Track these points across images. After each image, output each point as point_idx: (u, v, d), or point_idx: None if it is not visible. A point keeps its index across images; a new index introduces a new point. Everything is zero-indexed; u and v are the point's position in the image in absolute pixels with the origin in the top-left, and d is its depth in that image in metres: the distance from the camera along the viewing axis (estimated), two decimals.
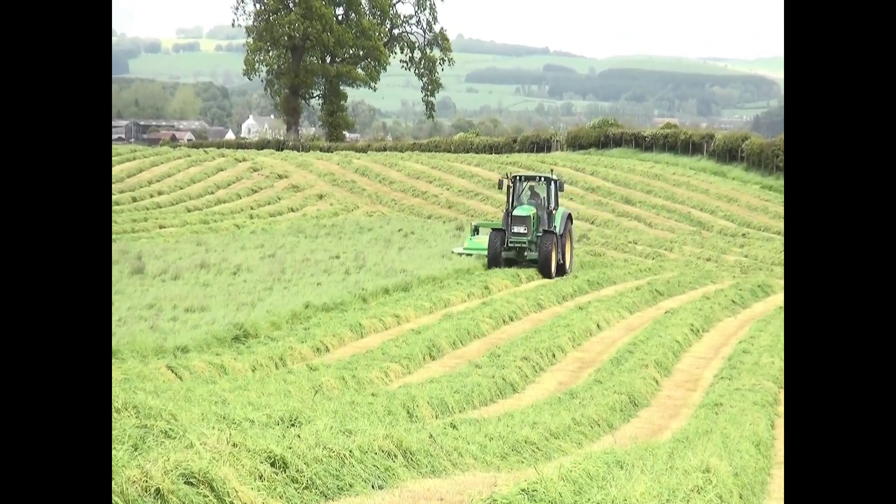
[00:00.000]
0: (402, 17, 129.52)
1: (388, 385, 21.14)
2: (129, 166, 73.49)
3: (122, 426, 11.47)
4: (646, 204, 67.91)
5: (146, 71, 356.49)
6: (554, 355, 25.63)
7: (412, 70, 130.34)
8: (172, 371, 19.63)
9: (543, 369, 24.40)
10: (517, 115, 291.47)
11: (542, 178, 42.02)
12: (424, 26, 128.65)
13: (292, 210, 64.83)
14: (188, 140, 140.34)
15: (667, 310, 33.76)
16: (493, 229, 40.82)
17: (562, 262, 40.48)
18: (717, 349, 28.57)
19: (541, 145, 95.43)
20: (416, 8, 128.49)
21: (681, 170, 78.13)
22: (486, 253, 40.71)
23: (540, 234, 39.85)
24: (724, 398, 21.06)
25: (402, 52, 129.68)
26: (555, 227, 40.19)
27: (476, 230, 43.92)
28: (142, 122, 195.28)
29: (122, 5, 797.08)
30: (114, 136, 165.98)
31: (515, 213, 40.15)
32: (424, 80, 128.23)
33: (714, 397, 21.36)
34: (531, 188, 42.01)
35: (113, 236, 46.40)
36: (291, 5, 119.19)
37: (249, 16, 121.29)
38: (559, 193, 41.84)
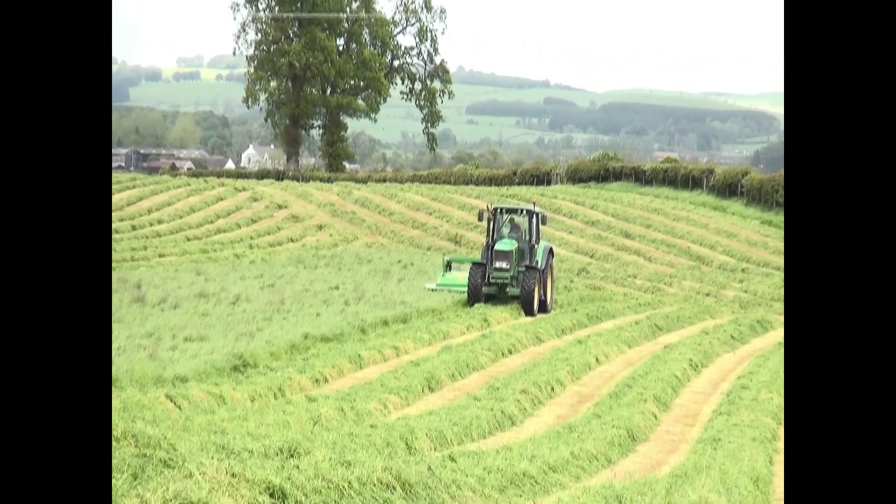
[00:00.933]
0: (402, 49, 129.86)
1: (386, 417, 21.12)
2: (129, 195, 73.55)
3: (122, 455, 11.46)
4: (645, 238, 67.95)
5: (147, 99, 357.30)
6: (553, 389, 25.60)
7: (413, 101, 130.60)
8: (171, 400, 19.61)
9: (542, 402, 24.38)
10: (517, 147, 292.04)
11: (524, 211, 40.55)
12: (425, 58, 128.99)
13: (292, 240, 64.86)
14: (188, 169, 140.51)
15: (666, 344, 33.75)
16: (473, 263, 39.51)
17: (543, 298, 39.12)
18: (716, 384, 28.56)
19: (541, 178, 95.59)
20: (417, 39, 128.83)
21: (680, 204, 78.24)
22: (460, 289, 39.69)
23: (522, 269, 38.63)
24: (722, 434, 21.04)
25: (402, 84, 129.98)
26: (537, 261, 38.96)
27: (448, 266, 42.60)
28: (142, 151, 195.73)
29: (122, 33, 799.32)
30: (114, 165, 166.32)
31: (497, 247, 38.74)
32: (425, 111, 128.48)
33: (713, 433, 21.34)
34: (512, 220, 40.50)
35: (112, 264, 46.41)
36: (293, 36, 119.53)
37: (251, 45, 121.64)
38: (541, 227, 40.32)
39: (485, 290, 38.62)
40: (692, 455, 19.15)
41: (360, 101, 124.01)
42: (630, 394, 24.79)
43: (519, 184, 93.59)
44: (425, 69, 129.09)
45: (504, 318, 36.67)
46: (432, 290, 40.75)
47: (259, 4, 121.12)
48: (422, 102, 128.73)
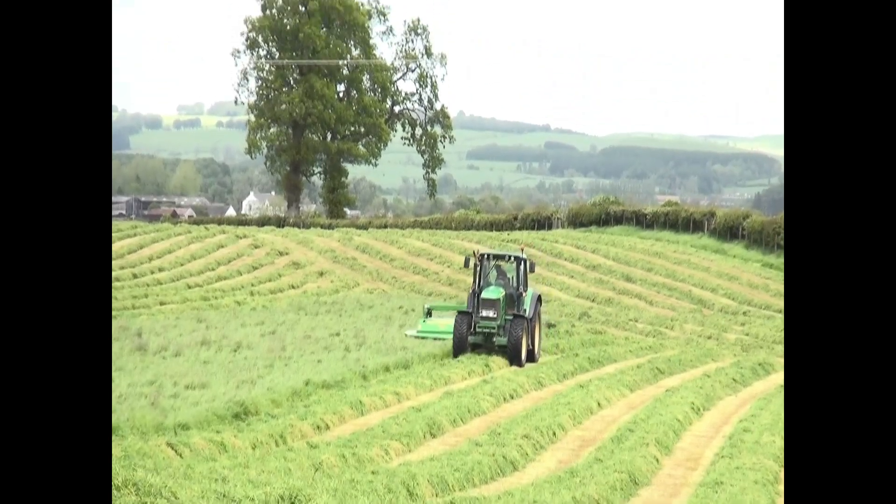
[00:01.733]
0: (403, 95, 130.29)
1: (388, 463, 21.10)
2: (129, 242, 73.60)
3: (123, 503, 11.47)
4: (646, 282, 67.94)
5: (147, 147, 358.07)
6: (554, 433, 25.57)
7: (413, 147, 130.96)
8: (172, 448, 19.59)
9: (544, 447, 24.34)
10: (518, 192, 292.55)
11: (512, 258, 39.03)
12: (426, 103, 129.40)
13: (293, 287, 64.82)
14: (189, 216, 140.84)
15: (667, 388, 33.73)
16: (458, 312, 38.03)
17: (531, 347, 37.73)
18: (718, 427, 28.52)
19: (542, 222, 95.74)
20: (418, 85, 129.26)
21: (682, 247, 78.29)
22: (442, 337, 38.74)
23: (509, 318, 37.21)
24: (724, 477, 21.01)
25: (403, 129, 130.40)
26: (524, 310, 37.55)
27: (429, 312, 41.91)
28: (143, 199, 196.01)
29: (123, 81, 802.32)
30: (115, 212, 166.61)
31: (484, 295, 37.37)
32: (426, 156, 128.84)
33: (715, 476, 21.30)
34: (499, 267, 39.39)
35: (113, 313, 46.41)
36: (293, 83, 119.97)
37: (252, 93, 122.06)
38: (528, 274, 39.03)
39: (471, 339, 37.39)
40: (694, 499, 19.14)
41: (360, 147, 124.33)
42: (632, 438, 24.76)
43: (520, 228, 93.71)
44: (426, 115, 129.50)
45: (505, 364, 36.65)
46: (413, 336, 39.67)
47: (260, 51, 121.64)
48: (423, 148, 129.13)
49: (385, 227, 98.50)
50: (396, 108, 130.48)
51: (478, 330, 37.31)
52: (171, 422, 21.84)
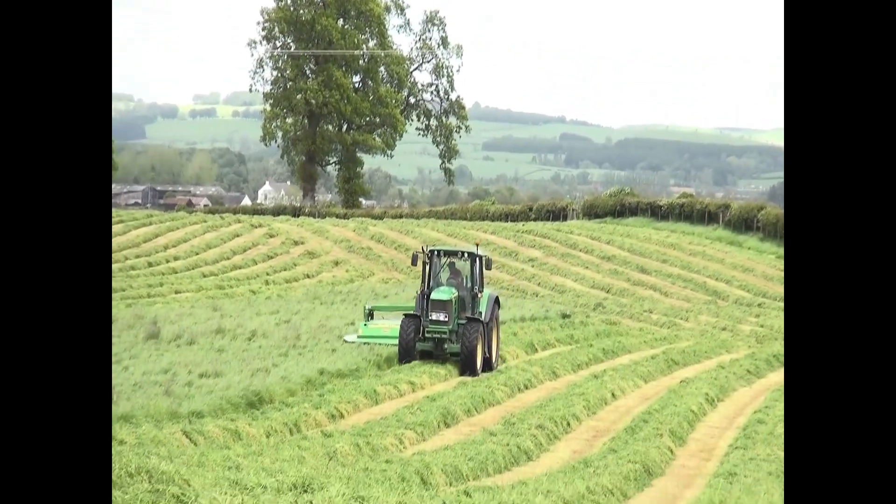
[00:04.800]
0: (419, 86, 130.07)
1: (402, 452, 21.12)
2: (145, 231, 73.67)
3: (135, 491, 11.47)
4: (661, 273, 67.83)
5: (163, 136, 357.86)
6: (569, 424, 25.58)
7: (429, 137, 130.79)
8: (187, 436, 19.63)
9: (558, 437, 24.35)
10: (533, 183, 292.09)
11: (466, 254, 34.54)
12: (441, 94, 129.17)
13: (308, 276, 64.84)
14: (204, 206, 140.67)
15: (682, 379, 33.71)
16: (405, 315, 33.70)
17: (488, 355, 33.16)
18: (732, 419, 28.50)
19: (557, 214, 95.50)
20: (434, 76, 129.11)
21: (696, 239, 78.11)
22: (386, 342, 34.28)
23: (462, 322, 32.92)
24: (738, 468, 21.00)
25: (418, 120, 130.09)
26: (480, 312, 33.13)
27: (370, 314, 36.98)
28: (158, 188, 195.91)
29: (139, 71, 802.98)
30: (130, 201, 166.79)
31: (434, 296, 33.03)
32: (441, 147, 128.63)
33: (729, 467, 21.30)
34: (452, 265, 34.98)
35: (128, 301, 46.50)
36: (309, 73, 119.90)
37: (267, 82, 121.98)
38: (485, 272, 35.02)
39: (419, 346, 33.06)
40: (708, 489, 19.12)
41: (376, 138, 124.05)
42: (646, 428, 24.75)
43: (535, 219, 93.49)
44: (441, 105, 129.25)
45: (520, 353, 36.61)
46: (352, 342, 35.21)
47: (276, 42, 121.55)
48: (438, 138, 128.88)
49: (400, 217, 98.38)
50: (412, 99, 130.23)
51: (427, 335, 33.08)
52: (185, 410, 21.89)
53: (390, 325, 35.29)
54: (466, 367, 32.14)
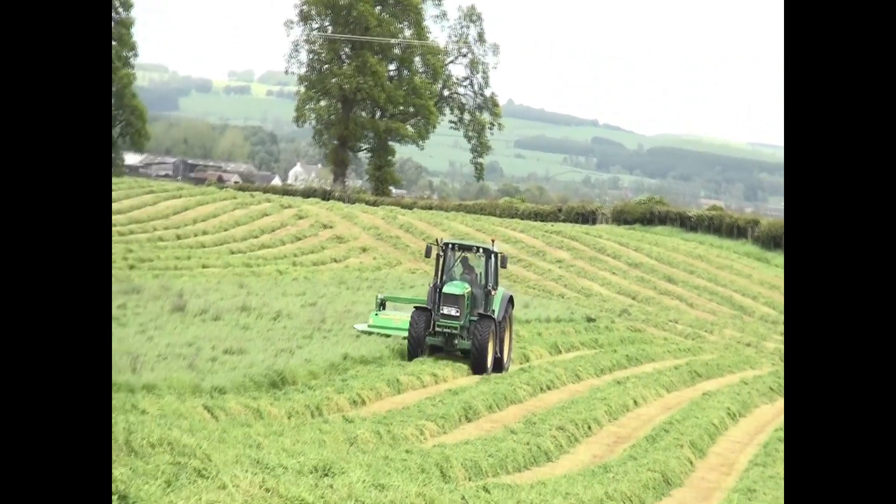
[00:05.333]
0: (454, 79, 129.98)
1: (422, 443, 21.08)
2: (174, 203, 73.85)
3: (157, 462, 11.44)
4: (688, 284, 67.64)
5: (196, 110, 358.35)
6: (590, 427, 25.52)
7: (461, 131, 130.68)
8: (208, 411, 19.61)
9: (578, 440, 24.30)
10: (564, 184, 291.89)
11: (481, 250, 33.88)
12: (476, 89, 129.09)
13: (335, 260, 64.78)
14: (235, 182, 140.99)
15: (704, 391, 33.61)
16: (415, 308, 32.78)
17: (499, 355, 32.44)
18: (753, 435, 28.41)
19: (586, 217, 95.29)
20: (469, 71, 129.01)
21: (724, 252, 77.91)
22: (396, 332, 33.54)
23: (475, 319, 32.18)
24: (757, 485, 20.94)
25: (451, 113, 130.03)
26: (493, 310, 32.36)
27: (382, 304, 36.08)
28: (190, 161, 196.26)
29: (174, 43, 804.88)
30: (161, 173, 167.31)
31: (446, 290, 32.25)
32: (473, 142, 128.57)
33: (748, 483, 21.24)
34: (465, 260, 34.40)
35: (155, 272, 46.54)
36: (344, 58, 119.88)
37: (302, 64, 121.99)
38: (499, 270, 34.08)
39: (429, 340, 32.39)
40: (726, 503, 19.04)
41: (408, 128, 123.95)
42: (667, 438, 24.68)
43: (564, 221, 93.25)
44: (475, 100, 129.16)
45: (542, 354, 36.54)
46: (362, 331, 34.38)
47: (312, 24, 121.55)
48: (470, 133, 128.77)
49: (430, 208, 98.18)
50: (446, 92, 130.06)
51: (437, 330, 32.34)
52: (207, 384, 21.86)
53: (401, 317, 34.52)
54: (476, 365, 31.49)
